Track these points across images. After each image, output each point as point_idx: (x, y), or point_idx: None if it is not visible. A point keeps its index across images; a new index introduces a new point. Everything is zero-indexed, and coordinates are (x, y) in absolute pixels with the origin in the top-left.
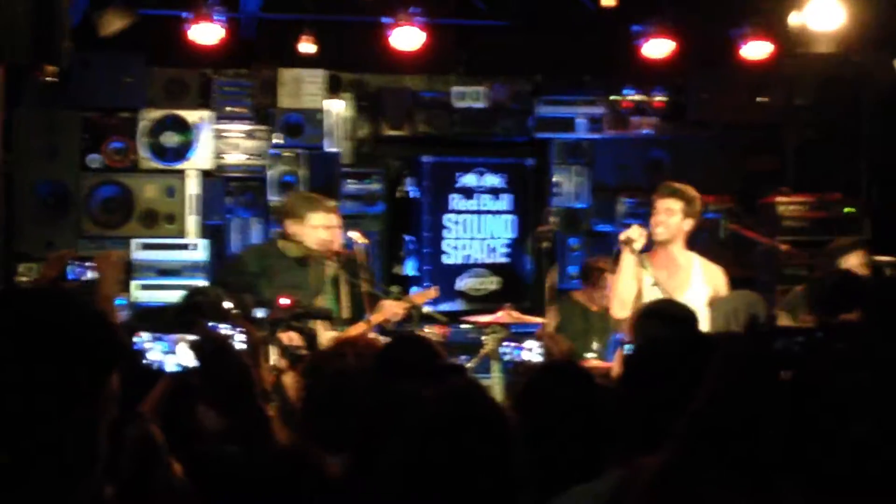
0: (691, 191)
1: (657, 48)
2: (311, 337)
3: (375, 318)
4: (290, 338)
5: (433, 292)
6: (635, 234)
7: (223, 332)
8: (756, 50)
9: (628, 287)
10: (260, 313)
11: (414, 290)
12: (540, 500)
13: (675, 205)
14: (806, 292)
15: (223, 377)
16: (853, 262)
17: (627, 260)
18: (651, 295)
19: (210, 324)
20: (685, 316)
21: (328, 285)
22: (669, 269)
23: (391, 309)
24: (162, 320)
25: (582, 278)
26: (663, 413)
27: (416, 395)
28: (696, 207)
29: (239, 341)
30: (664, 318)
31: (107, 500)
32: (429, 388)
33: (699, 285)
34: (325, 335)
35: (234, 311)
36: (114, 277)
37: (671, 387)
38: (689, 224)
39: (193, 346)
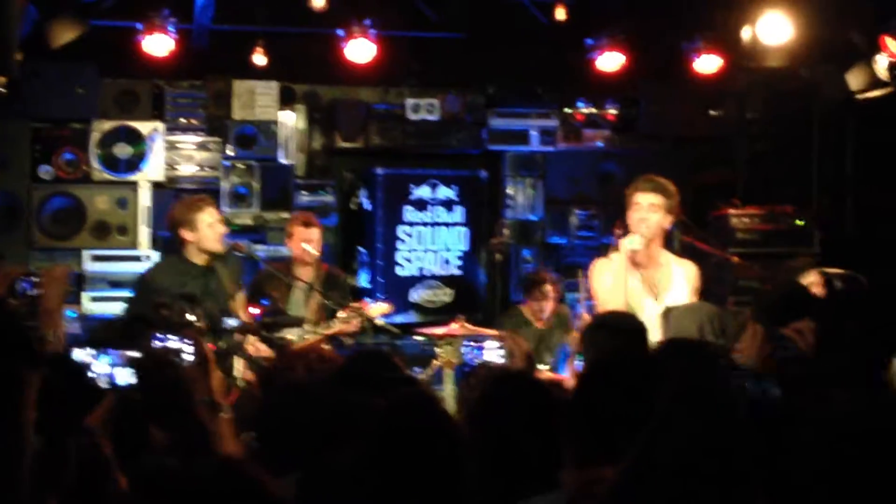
0: (671, 185)
1: (610, 61)
2: (282, 347)
3: (329, 330)
4: (258, 349)
5: (387, 307)
6: (637, 243)
7: (171, 344)
8: (707, 63)
9: (617, 296)
10: (230, 323)
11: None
12: None
13: (658, 200)
14: (755, 303)
15: (160, 392)
16: (810, 280)
17: (620, 269)
18: (635, 297)
19: (158, 336)
20: (634, 328)
21: (298, 293)
22: (650, 268)
23: (344, 323)
24: (110, 333)
25: (523, 291)
26: (616, 425)
27: (367, 405)
28: (676, 203)
29: (188, 353)
30: (613, 329)
31: None
32: (382, 399)
33: (680, 285)
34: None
35: (190, 324)
36: (57, 292)
37: (623, 400)
38: (668, 221)
39: (132, 361)
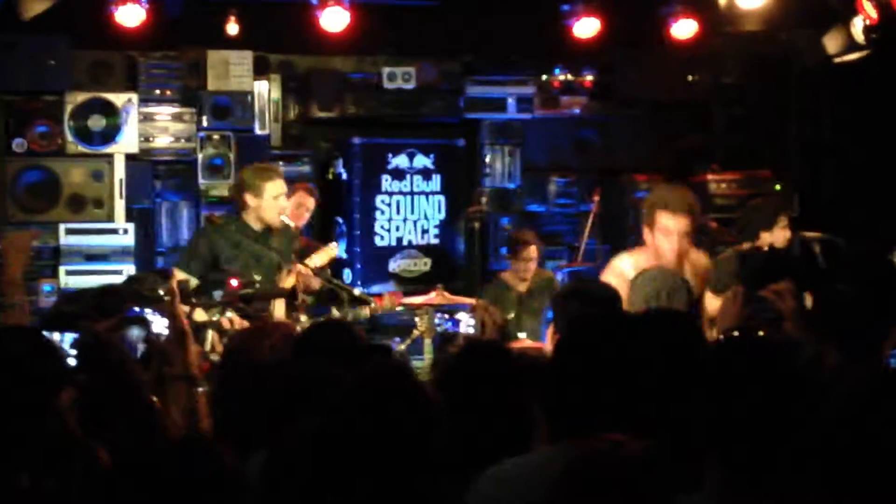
0: (694, 197)
1: (586, 27)
2: (259, 320)
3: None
4: (237, 322)
5: (332, 249)
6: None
7: (146, 317)
8: (684, 29)
9: None
10: (217, 294)
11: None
12: (468, 476)
13: (690, 225)
14: (736, 266)
15: (103, 372)
16: (779, 230)
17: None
18: None
19: (134, 309)
20: (606, 296)
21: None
22: None
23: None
24: (81, 306)
25: (507, 251)
26: (593, 393)
27: (331, 376)
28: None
29: (163, 327)
30: (585, 298)
31: (23, 489)
32: (350, 369)
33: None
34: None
35: (166, 296)
36: (19, 261)
37: (598, 368)
38: None
39: (73, 343)
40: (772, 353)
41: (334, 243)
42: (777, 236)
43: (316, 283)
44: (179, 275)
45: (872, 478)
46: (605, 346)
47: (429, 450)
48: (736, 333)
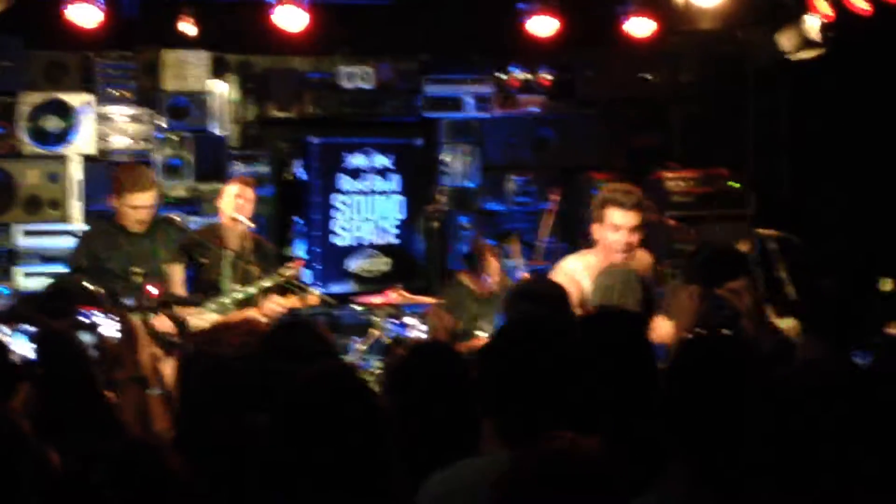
0: (641, 194)
1: (543, 26)
2: (181, 323)
3: (255, 312)
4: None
5: (298, 263)
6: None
7: (95, 319)
8: (640, 27)
9: None
10: (127, 301)
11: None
12: (416, 477)
13: (638, 219)
14: (688, 265)
15: (60, 369)
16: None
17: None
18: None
19: (82, 311)
20: (555, 295)
21: (228, 264)
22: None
23: (271, 307)
24: (30, 308)
25: (467, 264)
26: (527, 395)
27: (289, 377)
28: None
29: (113, 328)
30: (534, 297)
31: None
32: (303, 370)
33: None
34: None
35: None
36: None
37: (522, 369)
38: None
39: (32, 338)
40: (737, 352)
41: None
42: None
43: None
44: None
45: (827, 473)
46: (531, 347)
47: (378, 451)
48: (699, 332)
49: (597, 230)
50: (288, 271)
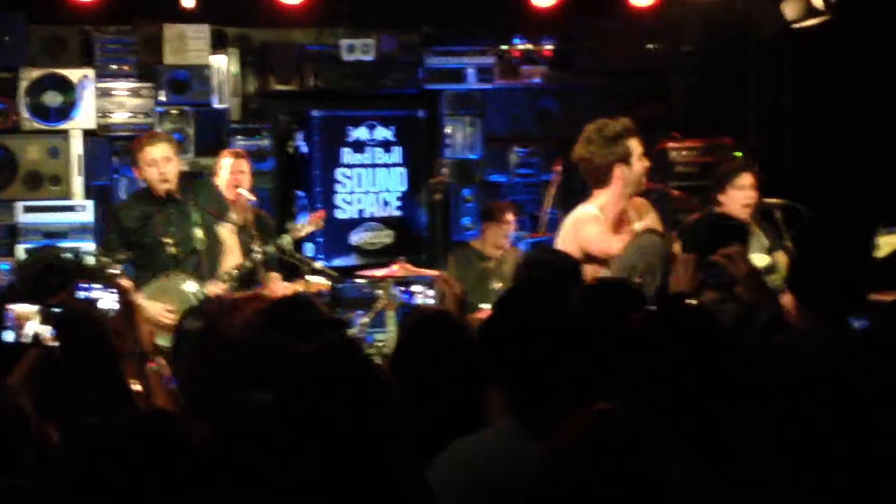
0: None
1: None
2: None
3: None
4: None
5: (319, 218)
6: None
7: (94, 294)
8: None
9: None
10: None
11: (301, 218)
12: (425, 451)
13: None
14: (682, 233)
15: (83, 348)
16: (746, 181)
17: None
18: None
19: (81, 286)
20: (568, 268)
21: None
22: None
23: (278, 288)
24: (25, 285)
25: (485, 217)
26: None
27: (289, 349)
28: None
29: (112, 302)
30: (548, 269)
31: None
32: (304, 344)
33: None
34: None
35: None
36: None
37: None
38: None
39: (52, 316)
40: (698, 318)
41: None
42: (732, 197)
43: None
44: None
45: (822, 442)
46: (539, 313)
47: (384, 425)
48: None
49: (618, 170)
50: (307, 227)
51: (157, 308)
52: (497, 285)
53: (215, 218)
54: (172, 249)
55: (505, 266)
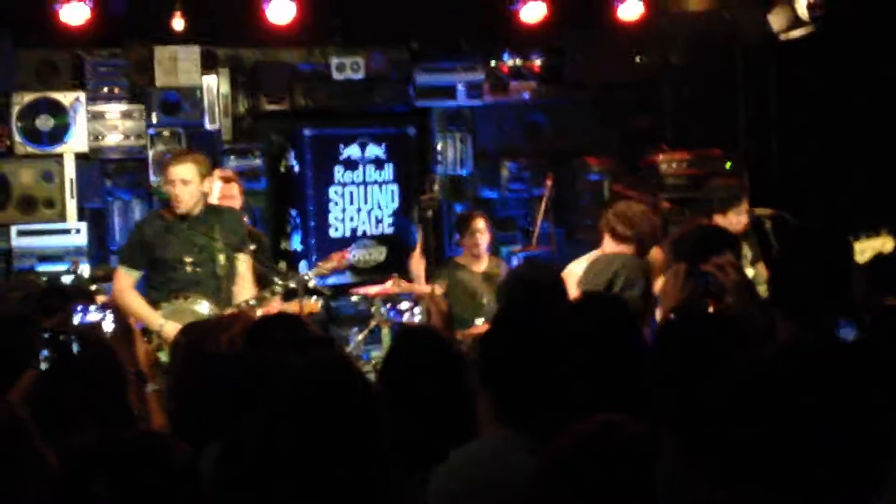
0: None
1: (533, 12)
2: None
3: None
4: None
5: (343, 258)
6: None
7: (91, 316)
8: (630, 10)
9: None
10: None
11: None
12: (416, 465)
13: None
14: (673, 243)
15: (93, 370)
16: (745, 207)
17: None
18: None
19: (78, 307)
20: (552, 282)
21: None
22: None
23: (274, 309)
24: (27, 306)
25: (456, 230)
26: (524, 375)
27: (281, 366)
28: None
29: (109, 323)
30: (531, 283)
31: None
32: (294, 360)
33: None
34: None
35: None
36: None
37: (524, 348)
38: None
39: (58, 340)
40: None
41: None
42: (730, 220)
43: None
44: (124, 273)
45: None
46: (530, 328)
47: (375, 441)
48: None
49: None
50: (329, 264)
51: (175, 329)
52: (486, 300)
53: (237, 245)
54: (190, 269)
55: (492, 279)
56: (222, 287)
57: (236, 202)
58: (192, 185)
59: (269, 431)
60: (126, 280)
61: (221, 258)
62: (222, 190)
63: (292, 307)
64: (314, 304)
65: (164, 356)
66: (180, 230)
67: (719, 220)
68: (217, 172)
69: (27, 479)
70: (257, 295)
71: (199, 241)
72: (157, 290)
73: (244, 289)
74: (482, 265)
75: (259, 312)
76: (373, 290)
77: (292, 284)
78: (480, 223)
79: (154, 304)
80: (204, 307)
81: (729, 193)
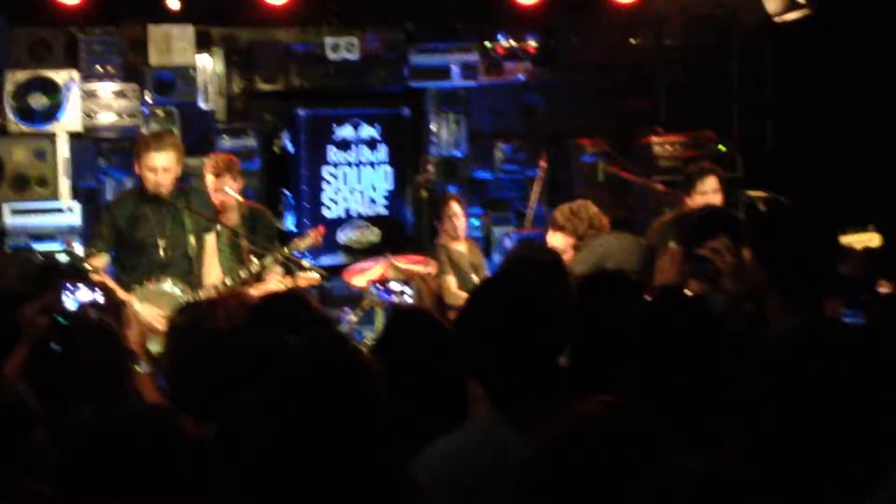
0: None
1: None
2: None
3: (258, 290)
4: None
5: (319, 234)
6: None
7: (81, 295)
8: None
9: None
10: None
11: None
12: (410, 446)
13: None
14: (673, 226)
15: (92, 350)
16: (710, 185)
17: None
18: None
19: (68, 285)
20: (550, 260)
21: (226, 241)
22: None
23: (274, 284)
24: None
25: (436, 216)
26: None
27: (280, 345)
28: None
29: (101, 303)
30: (529, 262)
31: None
32: (294, 339)
33: None
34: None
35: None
36: None
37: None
38: None
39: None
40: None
41: (315, 275)
42: (696, 201)
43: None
44: (96, 259)
45: (798, 431)
46: (518, 304)
47: (370, 419)
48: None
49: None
50: (305, 240)
51: (152, 313)
52: (474, 276)
53: (206, 225)
54: (163, 252)
55: (471, 257)
56: (193, 268)
57: (229, 198)
58: (172, 173)
59: (267, 410)
60: (96, 262)
61: (192, 239)
62: (214, 184)
63: (288, 281)
64: (313, 277)
65: (152, 345)
66: (152, 212)
67: (688, 201)
68: (209, 164)
69: (29, 460)
70: (236, 274)
71: (169, 223)
72: (126, 272)
73: (212, 268)
74: (464, 246)
75: (253, 290)
76: (366, 275)
77: (267, 263)
78: (455, 207)
79: (125, 287)
80: (176, 289)
81: (688, 176)
